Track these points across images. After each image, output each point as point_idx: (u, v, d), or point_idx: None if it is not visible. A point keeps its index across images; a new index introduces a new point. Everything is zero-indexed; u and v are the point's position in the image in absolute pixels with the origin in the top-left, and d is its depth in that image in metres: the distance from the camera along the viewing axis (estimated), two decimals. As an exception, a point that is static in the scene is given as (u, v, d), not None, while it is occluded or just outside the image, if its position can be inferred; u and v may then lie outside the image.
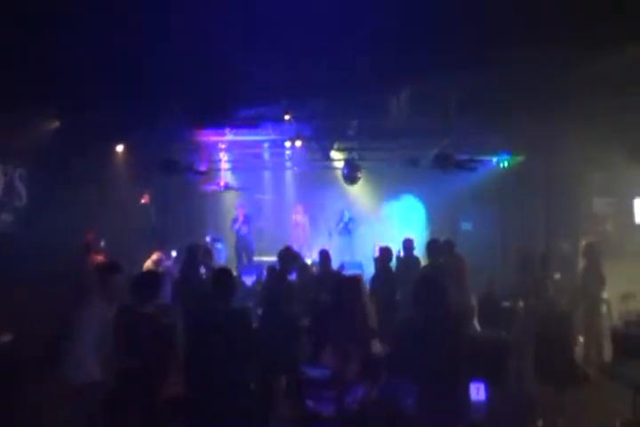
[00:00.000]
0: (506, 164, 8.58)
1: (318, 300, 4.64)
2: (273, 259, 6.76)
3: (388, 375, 3.10)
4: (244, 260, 9.16)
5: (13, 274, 4.98)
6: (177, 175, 8.32)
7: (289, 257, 4.51)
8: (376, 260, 5.90)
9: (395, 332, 3.59)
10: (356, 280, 3.44)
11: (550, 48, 4.91)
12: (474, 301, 5.27)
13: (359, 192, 9.95)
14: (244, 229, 9.35)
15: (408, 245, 6.18)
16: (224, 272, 3.45)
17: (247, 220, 9.45)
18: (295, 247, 5.95)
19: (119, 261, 3.88)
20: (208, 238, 9.19)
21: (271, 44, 5.06)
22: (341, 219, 9.89)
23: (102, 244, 6.71)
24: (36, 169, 6.27)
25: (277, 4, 4.15)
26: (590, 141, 6.63)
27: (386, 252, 5.64)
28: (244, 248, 9.35)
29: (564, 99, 6.09)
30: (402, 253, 6.21)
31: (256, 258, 9.32)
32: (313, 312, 4.47)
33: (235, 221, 9.43)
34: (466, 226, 9.11)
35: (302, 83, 5.92)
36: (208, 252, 5.80)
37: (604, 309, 5.98)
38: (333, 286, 3.46)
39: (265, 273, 5.89)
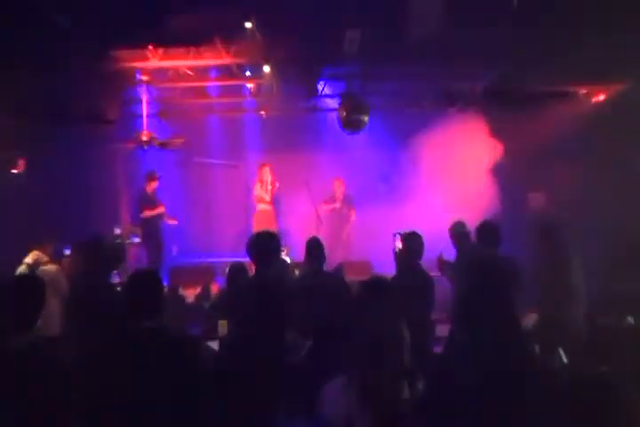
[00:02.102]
0: (597, 98, 8.58)
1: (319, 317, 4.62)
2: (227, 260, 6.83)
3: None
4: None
5: None
6: (70, 128, 8.17)
7: (272, 241, 4.42)
8: (397, 254, 5.65)
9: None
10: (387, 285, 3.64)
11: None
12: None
13: (363, 147, 9.82)
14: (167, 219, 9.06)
15: (459, 232, 6.11)
16: (146, 277, 3.41)
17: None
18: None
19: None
20: (118, 231, 8.96)
21: None
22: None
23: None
24: None
25: None
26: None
27: (413, 241, 5.38)
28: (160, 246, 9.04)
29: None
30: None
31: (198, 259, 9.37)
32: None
33: (142, 201, 8.95)
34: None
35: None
36: (117, 250, 5.53)
37: None
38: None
39: (228, 276, 5.79)
